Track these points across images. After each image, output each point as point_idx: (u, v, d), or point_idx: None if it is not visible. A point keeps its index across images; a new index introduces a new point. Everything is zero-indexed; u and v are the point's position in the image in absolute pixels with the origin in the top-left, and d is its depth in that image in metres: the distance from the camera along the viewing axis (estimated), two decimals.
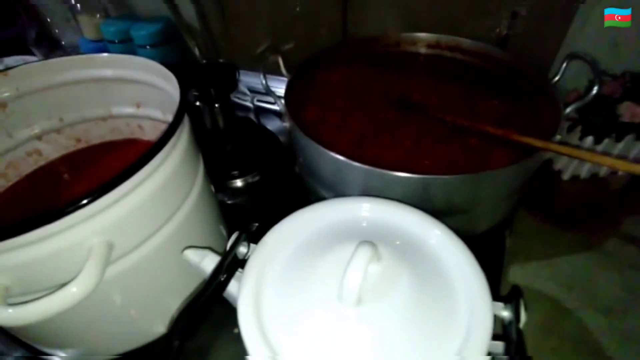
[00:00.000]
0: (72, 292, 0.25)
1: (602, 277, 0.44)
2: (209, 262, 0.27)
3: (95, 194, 0.25)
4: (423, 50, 0.50)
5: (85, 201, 0.25)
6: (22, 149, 0.42)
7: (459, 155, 0.37)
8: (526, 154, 0.33)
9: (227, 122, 0.57)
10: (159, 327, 0.36)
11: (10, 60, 0.82)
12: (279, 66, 0.46)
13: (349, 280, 0.21)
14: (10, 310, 0.24)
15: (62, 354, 0.37)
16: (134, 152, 0.46)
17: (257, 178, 0.58)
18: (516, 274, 0.44)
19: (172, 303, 0.35)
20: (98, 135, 0.46)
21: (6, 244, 0.24)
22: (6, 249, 0.25)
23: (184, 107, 0.31)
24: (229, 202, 0.54)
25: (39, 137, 0.42)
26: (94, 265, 0.25)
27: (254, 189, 0.57)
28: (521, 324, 0.21)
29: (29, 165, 0.43)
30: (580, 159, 0.31)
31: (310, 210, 0.28)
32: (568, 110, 0.37)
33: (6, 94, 0.38)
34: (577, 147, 0.46)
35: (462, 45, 0.48)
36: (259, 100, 0.63)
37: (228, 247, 0.25)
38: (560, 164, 0.51)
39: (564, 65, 0.40)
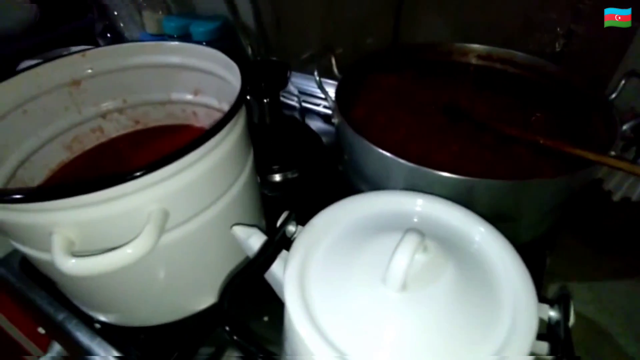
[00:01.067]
0: (128, 253, 0.27)
1: None
2: (255, 239, 0.29)
3: (158, 164, 0.27)
4: (474, 61, 0.50)
5: (148, 169, 0.27)
6: (87, 125, 0.45)
7: (506, 163, 0.37)
8: (577, 167, 0.33)
9: (274, 118, 0.59)
10: (200, 302, 0.38)
11: (76, 49, 0.88)
12: (328, 68, 0.48)
13: (396, 263, 0.21)
14: (73, 260, 0.26)
15: (103, 318, 0.39)
16: (187, 137, 0.48)
17: (296, 175, 0.59)
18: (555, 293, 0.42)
19: (215, 278, 0.37)
20: (155, 118, 0.49)
21: (75, 200, 0.26)
22: (74, 206, 0.27)
23: (245, 95, 0.33)
24: (269, 194, 0.56)
25: (103, 116, 0.46)
26: (151, 230, 0.27)
27: (292, 185, 0.59)
28: (570, 324, 0.21)
29: (91, 141, 0.46)
30: (637, 174, 0.30)
31: (358, 199, 0.29)
32: (624, 127, 0.37)
33: (82, 73, 0.42)
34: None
35: (515, 59, 0.48)
36: (305, 102, 0.65)
37: (279, 224, 0.27)
38: (611, 184, 0.49)
39: (622, 82, 0.39)
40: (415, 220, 0.28)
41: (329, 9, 0.64)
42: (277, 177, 0.59)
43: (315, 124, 0.67)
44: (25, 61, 0.83)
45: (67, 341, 0.43)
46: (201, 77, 0.43)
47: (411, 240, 0.22)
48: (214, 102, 0.45)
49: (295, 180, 0.59)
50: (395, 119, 0.42)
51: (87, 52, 0.41)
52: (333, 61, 0.46)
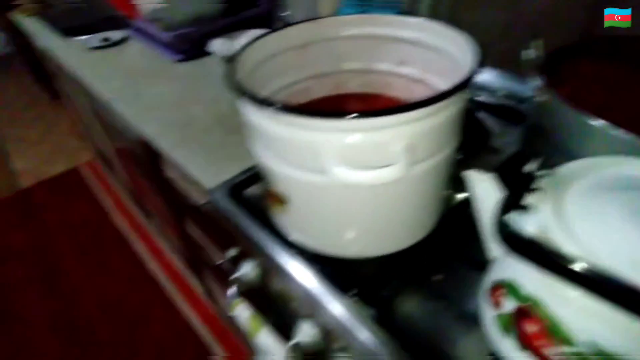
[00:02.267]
0: (390, 172, 0.32)
1: None
2: (487, 184, 0.32)
3: (419, 104, 0.31)
4: None
5: (412, 107, 0.31)
6: (302, 84, 0.52)
7: None
8: None
9: None
10: (398, 243, 0.43)
11: (250, 33, 1.02)
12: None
13: None
14: (348, 171, 0.32)
15: (304, 241, 0.45)
16: (378, 105, 0.54)
17: (461, 156, 0.62)
18: None
19: (420, 221, 0.42)
20: (351, 86, 0.55)
21: (343, 124, 0.32)
22: (344, 130, 0.33)
23: (480, 61, 0.36)
24: None
25: (314, 77, 0.53)
26: (407, 157, 0.32)
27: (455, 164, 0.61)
28: None
29: (298, 99, 0.54)
30: None
31: (597, 160, 0.31)
32: None
33: (311, 38, 0.49)
34: None
35: None
36: None
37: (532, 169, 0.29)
38: None
39: None
40: None
41: (513, 5, 0.66)
42: None
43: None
44: (213, 40, 0.99)
45: (263, 260, 0.51)
46: (411, 49, 0.47)
47: None
48: (415, 73, 0.49)
49: (460, 161, 0.62)
50: (600, 103, 0.42)
51: (320, 20, 0.48)
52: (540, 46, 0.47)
